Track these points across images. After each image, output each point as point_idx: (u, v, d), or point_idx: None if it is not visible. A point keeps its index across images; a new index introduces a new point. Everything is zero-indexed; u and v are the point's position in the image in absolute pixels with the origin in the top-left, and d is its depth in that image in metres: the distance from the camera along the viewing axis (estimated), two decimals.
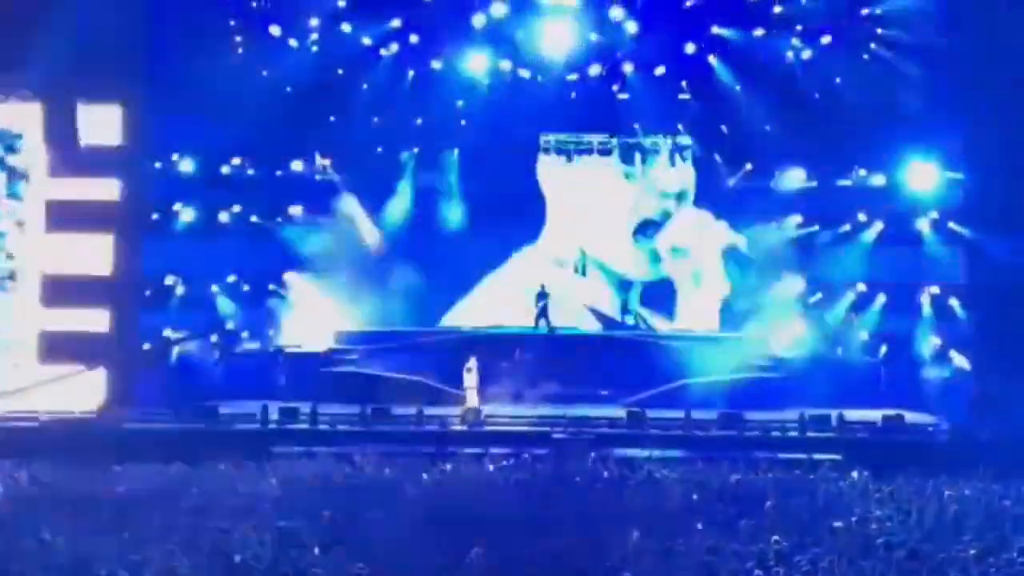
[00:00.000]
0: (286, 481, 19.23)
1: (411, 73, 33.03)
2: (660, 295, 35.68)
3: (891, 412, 27.40)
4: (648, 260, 35.46)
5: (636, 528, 14.89)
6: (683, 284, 35.38)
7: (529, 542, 14.15)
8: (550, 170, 35.73)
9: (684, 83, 33.43)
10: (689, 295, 35.20)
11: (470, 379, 28.79)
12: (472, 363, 28.88)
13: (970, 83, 27.83)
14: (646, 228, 35.56)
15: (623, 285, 35.91)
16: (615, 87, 33.41)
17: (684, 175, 35.43)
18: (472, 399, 28.48)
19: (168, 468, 20.46)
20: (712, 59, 32.05)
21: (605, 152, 35.58)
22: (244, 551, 13.47)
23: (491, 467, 21.29)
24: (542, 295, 33.78)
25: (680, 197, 35.47)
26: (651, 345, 32.05)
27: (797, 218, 34.10)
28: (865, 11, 29.68)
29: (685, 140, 34.92)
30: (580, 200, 35.85)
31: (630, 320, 35.78)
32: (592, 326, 35.13)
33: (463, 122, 34.59)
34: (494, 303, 34.91)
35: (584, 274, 35.87)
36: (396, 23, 31.19)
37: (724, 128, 34.53)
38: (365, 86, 33.01)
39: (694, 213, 35.33)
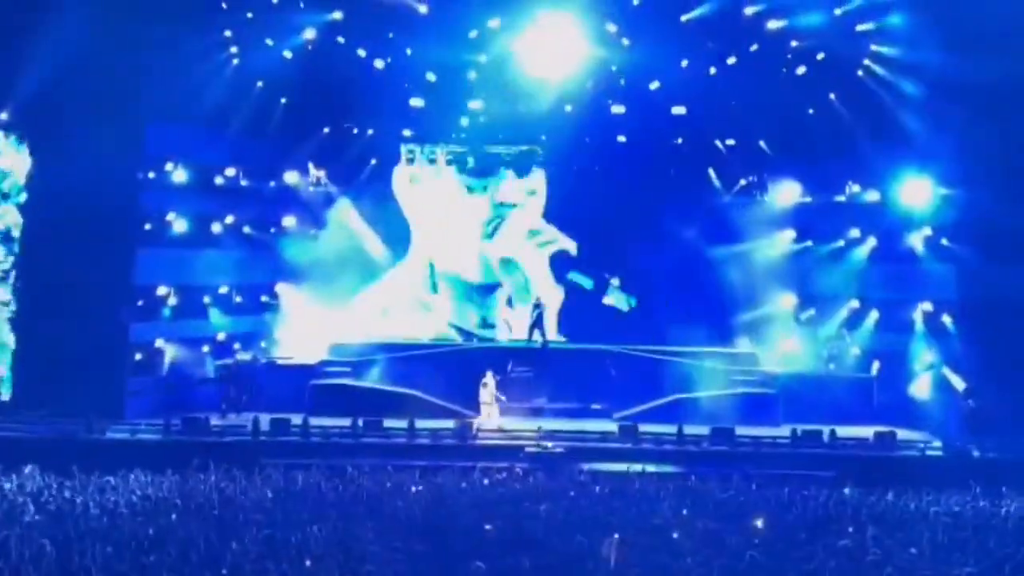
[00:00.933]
0: (277, 492, 19.21)
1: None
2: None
3: (883, 429, 27.45)
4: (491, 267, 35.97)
5: (623, 542, 14.92)
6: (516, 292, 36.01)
7: (516, 555, 14.15)
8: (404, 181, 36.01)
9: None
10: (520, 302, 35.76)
11: (486, 394, 28.75)
12: (488, 378, 28.86)
13: (964, 100, 27.84)
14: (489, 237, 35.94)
15: (479, 295, 36.09)
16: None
17: (533, 184, 35.89)
18: (488, 414, 28.45)
19: (159, 478, 20.46)
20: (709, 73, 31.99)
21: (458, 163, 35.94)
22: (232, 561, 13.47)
23: (485, 481, 21.27)
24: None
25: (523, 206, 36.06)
26: (644, 360, 32.02)
27: (791, 233, 34.16)
28: (860, 27, 29.68)
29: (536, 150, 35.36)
30: (432, 212, 36.16)
31: (490, 333, 35.87)
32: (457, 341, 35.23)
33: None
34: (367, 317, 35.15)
35: (436, 290, 35.96)
36: (390, 35, 31.09)
37: (719, 144, 34.63)
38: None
39: (526, 219, 35.83)
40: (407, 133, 35.05)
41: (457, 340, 34.98)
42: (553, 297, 35.58)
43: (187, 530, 15.59)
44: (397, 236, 35.39)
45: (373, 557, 14.14)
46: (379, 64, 31.56)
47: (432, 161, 35.78)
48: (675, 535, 15.93)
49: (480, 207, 36.19)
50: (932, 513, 18.77)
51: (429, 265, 36.00)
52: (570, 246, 35.80)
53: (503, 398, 28.94)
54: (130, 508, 17.54)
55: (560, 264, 36.03)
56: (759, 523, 16.83)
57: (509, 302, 36.10)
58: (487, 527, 16.12)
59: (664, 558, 14.40)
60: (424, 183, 35.95)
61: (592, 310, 35.04)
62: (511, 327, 35.73)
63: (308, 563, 13.73)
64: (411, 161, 35.84)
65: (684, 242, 34.31)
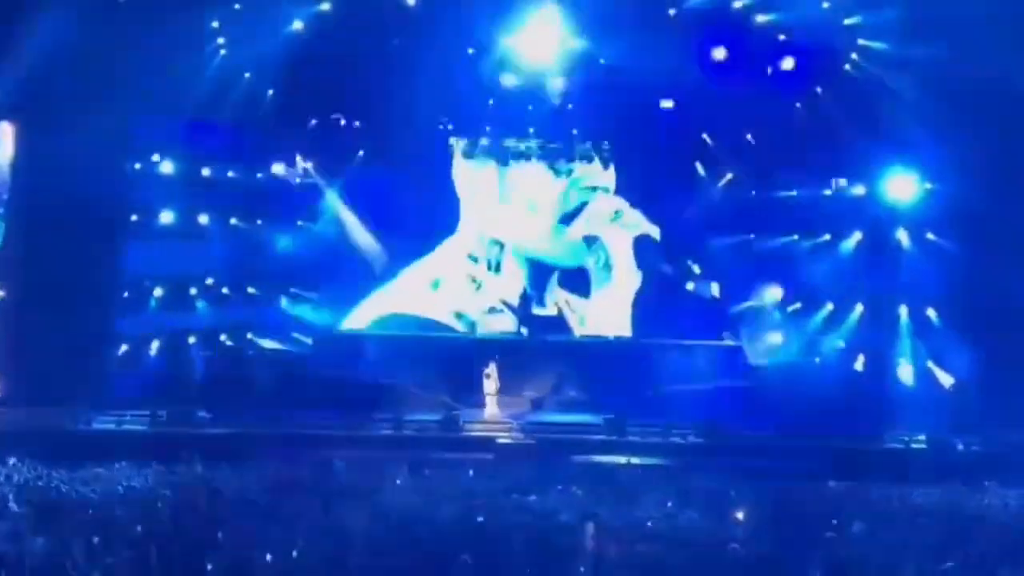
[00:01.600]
0: (264, 483, 19.26)
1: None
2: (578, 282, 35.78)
3: (868, 421, 27.59)
4: (565, 249, 35.73)
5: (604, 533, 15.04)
6: (595, 273, 35.64)
7: (502, 547, 14.23)
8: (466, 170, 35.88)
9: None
10: (601, 285, 35.51)
11: (490, 385, 28.76)
12: (492, 369, 28.86)
13: (951, 95, 27.95)
14: (566, 219, 35.75)
15: (540, 275, 35.97)
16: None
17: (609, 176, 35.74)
18: (492, 405, 28.49)
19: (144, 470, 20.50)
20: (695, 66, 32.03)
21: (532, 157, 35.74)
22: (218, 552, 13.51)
23: (471, 472, 21.35)
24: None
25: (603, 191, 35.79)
26: (631, 351, 32.12)
27: (777, 226, 34.22)
28: (847, 21, 29.75)
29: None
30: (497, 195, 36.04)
31: (545, 310, 35.71)
32: (508, 321, 35.12)
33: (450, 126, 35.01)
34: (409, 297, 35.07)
35: (499, 270, 35.82)
36: (378, 26, 31.04)
37: (706, 137, 34.67)
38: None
39: (609, 202, 35.66)
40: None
41: (505, 326, 34.88)
42: (631, 282, 35.34)
43: (174, 521, 15.66)
44: (386, 226, 35.19)
45: (360, 549, 14.19)
46: (368, 55, 31.53)
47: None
48: (659, 527, 16.05)
49: (558, 188, 35.94)
50: (914, 506, 18.93)
51: (490, 242, 35.79)
52: (653, 231, 35.50)
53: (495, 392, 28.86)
54: (117, 499, 17.58)
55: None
56: (740, 515, 16.96)
57: (562, 283, 35.86)
58: (475, 519, 16.20)
59: (647, 548, 14.50)
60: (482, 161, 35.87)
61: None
62: (570, 308, 35.61)
63: (295, 554, 13.78)
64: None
65: (673, 232, 34.47)
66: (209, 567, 12.85)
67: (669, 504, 18.00)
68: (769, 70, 32.03)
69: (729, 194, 34.67)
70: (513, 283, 35.52)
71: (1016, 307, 27.66)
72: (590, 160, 35.44)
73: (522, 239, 35.63)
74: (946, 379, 29.67)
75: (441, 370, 30.12)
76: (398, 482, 19.90)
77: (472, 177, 35.69)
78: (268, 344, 33.39)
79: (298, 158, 34.79)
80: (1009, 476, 21.98)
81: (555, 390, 31.19)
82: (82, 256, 27.21)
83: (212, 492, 18.21)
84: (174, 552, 13.57)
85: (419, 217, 34.46)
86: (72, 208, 26.74)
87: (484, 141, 35.25)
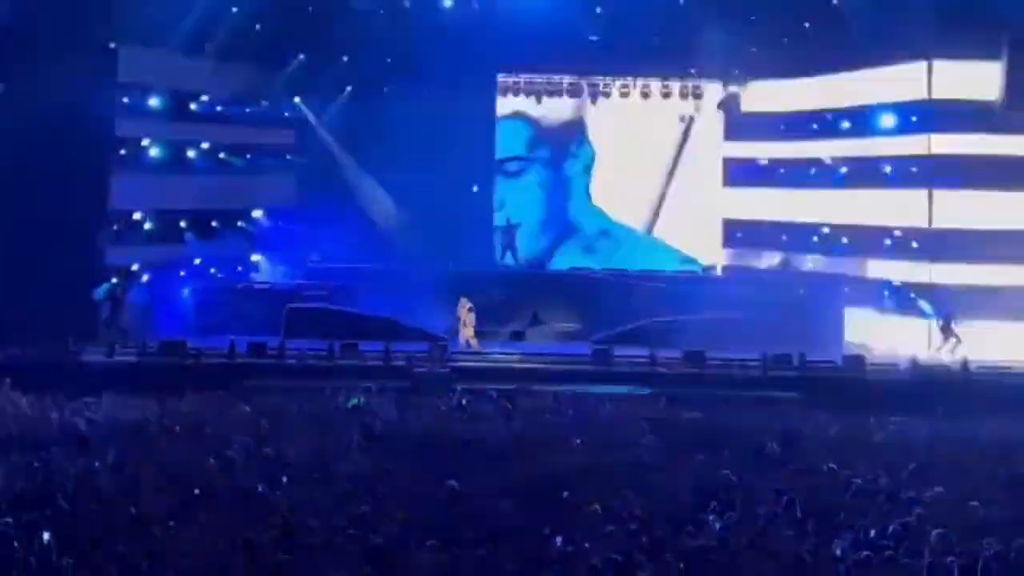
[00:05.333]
0: (254, 411, 19.52)
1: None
2: None
3: (852, 352, 27.91)
4: None
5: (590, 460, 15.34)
6: None
7: (491, 472, 14.50)
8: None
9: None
10: None
11: (467, 317, 28.91)
12: (463, 302, 29.01)
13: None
14: None
15: None
16: None
17: None
18: (465, 337, 28.69)
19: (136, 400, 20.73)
20: None
21: None
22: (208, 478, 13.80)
23: (463, 401, 21.61)
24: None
25: None
26: (617, 284, 32.35)
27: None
28: None
29: None
30: None
31: None
32: None
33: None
34: None
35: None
36: None
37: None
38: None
39: None
40: None
41: None
42: None
43: (165, 449, 15.92)
44: (372, 161, 35.16)
45: (350, 474, 14.46)
46: None
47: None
48: (644, 454, 16.32)
49: None
50: (898, 436, 19.24)
51: None
52: None
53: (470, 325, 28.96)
54: (109, 428, 17.83)
55: None
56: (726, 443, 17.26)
57: None
58: (462, 443, 16.49)
59: (634, 471, 14.78)
60: None
61: None
62: None
63: (284, 479, 14.05)
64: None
65: None
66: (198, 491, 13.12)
67: (652, 433, 18.17)
68: None
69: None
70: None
71: None
72: None
73: None
74: (928, 307, 30.05)
75: (428, 303, 30.22)
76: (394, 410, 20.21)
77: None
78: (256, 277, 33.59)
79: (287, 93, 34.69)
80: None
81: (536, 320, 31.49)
82: (68, 189, 27.16)
83: (202, 421, 18.49)
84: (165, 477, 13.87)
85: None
86: (60, 143, 26.76)
87: None
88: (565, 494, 13.31)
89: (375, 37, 32.89)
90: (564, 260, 36.50)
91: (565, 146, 37.43)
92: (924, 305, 30.01)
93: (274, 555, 10.61)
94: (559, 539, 11.35)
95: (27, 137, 26.93)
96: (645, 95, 36.40)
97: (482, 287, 30.79)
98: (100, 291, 28.84)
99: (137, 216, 30.94)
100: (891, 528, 11.87)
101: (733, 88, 36.08)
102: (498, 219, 36.25)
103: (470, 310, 28.75)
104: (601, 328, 30.14)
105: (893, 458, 16.35)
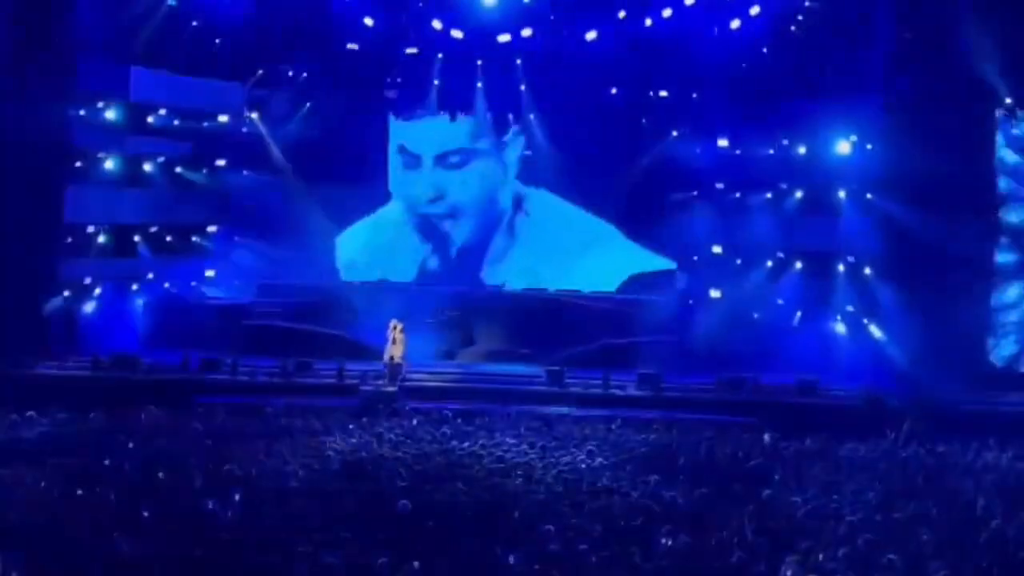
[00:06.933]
0: (207, 429, 19.41)
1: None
2: None
3: (806, 377, 28.08)
4: None
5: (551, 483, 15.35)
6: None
7: (441, 494, 14.48)
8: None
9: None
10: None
11: (397, 336, 28.80)
12: (396, 322, 28.93)
13: (892, 59, 28.45)
14: None
15: None
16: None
17: None
18: (392, 353, 28.53)
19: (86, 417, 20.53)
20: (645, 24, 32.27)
21: None
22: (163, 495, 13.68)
23: (414, 421, 21.60)
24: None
25: None
26: (572, 306, 32.44)
27: (719, 184, 34.46)
28: None
29: None
30: None
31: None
32: None
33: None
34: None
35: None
36: None
37: (652, 94, 34.79)
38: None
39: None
40: None
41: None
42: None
43: (118, 464, 15.79)
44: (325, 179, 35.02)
45: (299, 497, 14.39)
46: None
47: None
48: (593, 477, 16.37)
49: None
50: (846, 459, 19.38)
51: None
52: None
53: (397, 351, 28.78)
54: (61, 442, 17.67)
55: None
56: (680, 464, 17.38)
57: None
58: (415, 467, 16.45)
59: (583, 498, 14.82)
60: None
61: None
62: None
63: (237, 497, 13.96)
64: None
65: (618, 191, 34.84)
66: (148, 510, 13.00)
67: (602, 457, 18.18)
68: (716, 30, 32.34)
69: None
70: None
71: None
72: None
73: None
74: (879, 334, 30.18)
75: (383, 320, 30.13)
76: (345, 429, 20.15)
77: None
78: (210, 292, 33.42)
79: (244, 108, 34.59)
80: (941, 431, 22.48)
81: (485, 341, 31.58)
82: (22, 201, 26.95)
83: (156, 435, 18.37)
84: (117, 492, 13.75)
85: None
86: (14, 154, 26.56)
87: None
88: (516, 514, 13.35)
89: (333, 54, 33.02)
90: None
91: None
92: None
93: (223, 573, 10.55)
94: (512, 557, 11.35)
95: None
96: None
97: (435, 303, 30.87)
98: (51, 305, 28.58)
99: (91, 229, 30.72)
100: (840, 552, 11.96)
101: None
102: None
103: (401, 331, 28.48)
104: (545, 351, 30.19)
105: (844, 482, 16.50)
